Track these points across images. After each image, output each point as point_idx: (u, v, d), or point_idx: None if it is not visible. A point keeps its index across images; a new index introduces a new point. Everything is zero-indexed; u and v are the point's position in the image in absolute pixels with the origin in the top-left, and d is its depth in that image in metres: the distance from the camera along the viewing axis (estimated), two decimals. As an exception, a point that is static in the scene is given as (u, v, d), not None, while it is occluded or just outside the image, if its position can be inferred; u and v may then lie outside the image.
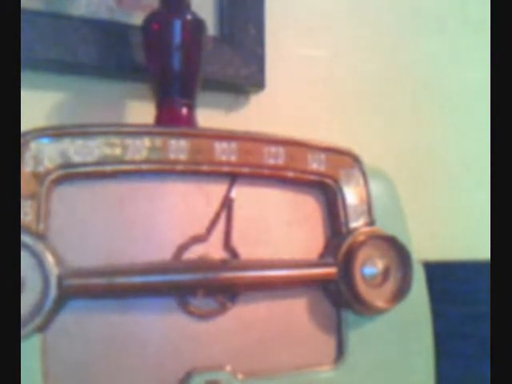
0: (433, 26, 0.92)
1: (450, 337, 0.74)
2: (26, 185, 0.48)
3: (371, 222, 0.59)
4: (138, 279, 0.50)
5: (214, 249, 0.54)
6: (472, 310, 0.76)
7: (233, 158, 0.54)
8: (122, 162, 0.51)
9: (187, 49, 0.60)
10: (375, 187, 0.60)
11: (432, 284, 0.63)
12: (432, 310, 0.63)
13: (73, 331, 0.49)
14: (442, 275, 0.74)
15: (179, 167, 0.53)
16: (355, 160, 0.59)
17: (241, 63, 0.74)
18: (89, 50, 0.65)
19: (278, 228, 0.57)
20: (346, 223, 0.58)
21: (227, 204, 0.55)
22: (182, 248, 0.53)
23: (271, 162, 0.56)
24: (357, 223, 0.58)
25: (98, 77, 0.68)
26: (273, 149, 0.56)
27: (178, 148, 0.53)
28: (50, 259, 0.47)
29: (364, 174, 0.59)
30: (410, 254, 0.58)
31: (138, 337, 0.51)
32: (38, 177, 0.48)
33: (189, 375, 0.52)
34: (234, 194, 0.55)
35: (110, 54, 0.67)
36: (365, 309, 0.57)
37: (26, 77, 0.55)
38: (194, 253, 0.53)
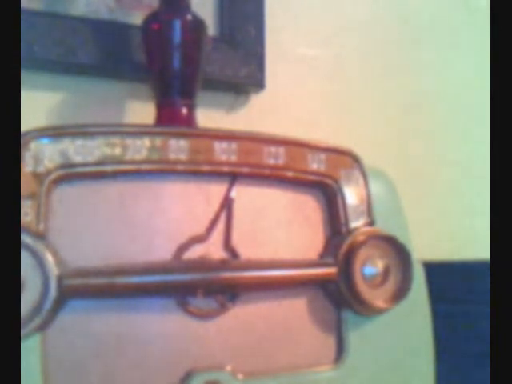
0: (434, 24, 0.92)
1: (449, 337, 0.74)
2: (26, 185, 0.48)
3: (371, 222, 0.59)
4: (138, 279, 0.50)
5: (214, 249, 0.54)
6: (472, 310, 0.76)
7: (233, 158, 0.54)
8: (121, 162, 0.51)
9: (187, 49, 0.60)
10: (375, 187, 0.60)
11: (432, 284, 0.63)
12: (432, 310, 0.63)
13: (73, 331, 0.49)
14: (442, 275, 0.74)
15: (179, 167, 0.53)
16: (355, 160, 0.59)
17: (241, 63, 0.74)
18: (89, 50, 0.65)
19: (277, 228, 0.57)
20: (346, 223, 0.58)
21: (227, 204, 0.55)
22: (182, 248, 0.53)
23: (271, 162, 0.56)
24: (357, 223, 0.58)
25: (98, 77, 0.68)
26: (273, 149, 0.56)
27: (178, 148, 0.53)
28: (50, 259, 0.47)
29: (364, 174, 0.59)
30: (410, 254, 0.58)
31: (138, 337, 0.51)
32: (38, 177, 0.48)
33: (189, 375, 0.52)
34: (234, 193, 0.55)
35: (110, 54, 0.67)
36: (365, 309, 0.57)
37: (25, 77, 0.55)
38: (194, 253, 0.53)
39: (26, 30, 0.62)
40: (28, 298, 0.46)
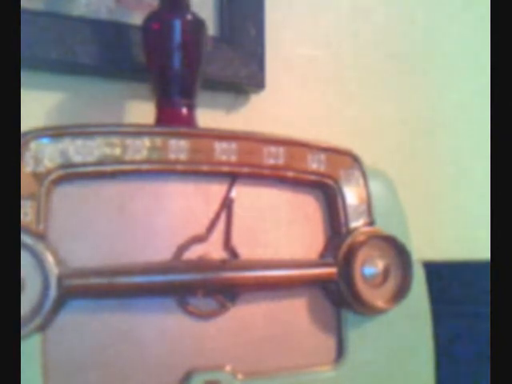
0: (438, 25, 0.92)
1: (449, 337, 0.74)
2: (26, 185, 0.48)
3: (371, 222, 0.59)
4: (138, 279, 0.50)
5: (214, 249, 0.54)
6: (472, 311, 0.76)
7: (233, 158, 0.54)
8: (122, 162, 0.51)
9: (187, 49, 0.60)
10: (375, 187, 0.60)
11: (432, 284, 0.63)
12: (432, 310, 0.63)
13: (73, 331, 0.49)
14: (441, 275, 0.74)
15: (179, 167, 0.53)
16: (355, 160, 0.59)
17: (241, 63, 0.74)
18: (89, 50, 0.65)
19: (277, 228, 0.57)
20: (346, 223, 0.58)
21: (227, 204, 0.55)
22: (182, 248, 0.53)
23: (271, 162, 0.56)
24: (357, 223, 0.58)
25: (97, 77, 0.68)
26: (273, 149, 0.56)
27: (178, 148, 0.53)
28: (50, 259, 0.47)
29: (364, 174, 0.59)
30: (409, 254, 0.58)
31: (138, 337, 0.51)
32: (38, 177, 0.48)
33: (189, 375, 0.52)
34: (234, 193, 0.55)
35: (109, 54, 0.67)
36: (365, 309, 0.57)
37: (26, 77, 0.55)
38: (194, 253, 0.53)
39: (26, 30, 0.62)
40: (28, 298, 0.46)
